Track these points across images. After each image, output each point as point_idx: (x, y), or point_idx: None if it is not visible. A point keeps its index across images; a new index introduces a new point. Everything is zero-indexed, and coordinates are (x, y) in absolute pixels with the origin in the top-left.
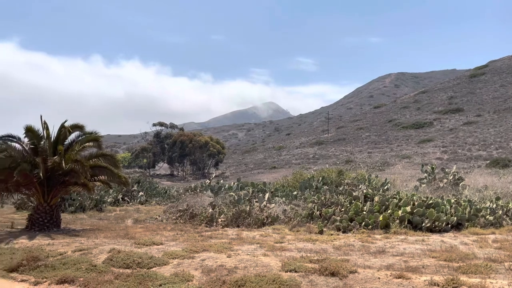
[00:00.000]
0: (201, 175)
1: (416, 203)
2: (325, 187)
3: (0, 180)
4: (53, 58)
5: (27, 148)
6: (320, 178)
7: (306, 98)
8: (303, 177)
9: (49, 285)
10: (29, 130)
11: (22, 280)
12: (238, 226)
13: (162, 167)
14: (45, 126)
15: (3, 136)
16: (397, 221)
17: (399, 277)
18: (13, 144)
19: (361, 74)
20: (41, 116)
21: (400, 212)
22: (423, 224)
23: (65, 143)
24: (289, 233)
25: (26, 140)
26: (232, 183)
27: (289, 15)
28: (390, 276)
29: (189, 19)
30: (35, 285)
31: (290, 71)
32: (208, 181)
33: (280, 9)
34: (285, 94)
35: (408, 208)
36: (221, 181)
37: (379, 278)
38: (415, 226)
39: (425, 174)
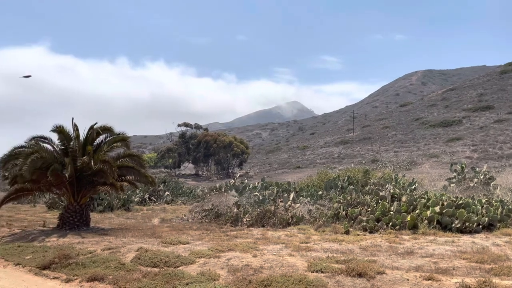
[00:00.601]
0: (226, 175)
1: (445, 203)
2: (351, 187)
3: (33, 180)
4: (81, 61)
5: (57, 149)
6: (346, 177)
7: (330, 97)
8: (328, 176)
9: (80, 282)
10: (60, 132)
11: (54, 277)
12: (263, 226)
13: (187, 167)
14: (75, 127)
15: (35, 137)
16: (426, 221)
17: (429, 279)
18: (45, 145)
19: (387, 72)
20: (72, 119)
21: (428, 212)
22: (453, 225)
23: (94, 144)
24: (315, 233)
25: (57, 141)
26: (257, 182)
27: (313, 14)
28: (420, 277)
29: (213, 20)
30: (66, 282)
31: (314, 69)
32: (232, 180)
33: (303, 7)
34: (309, 93)
35: (437, 208)
36: (246, 181)
37: (407, 279)
38: (444, 227)
39: (454, 174)
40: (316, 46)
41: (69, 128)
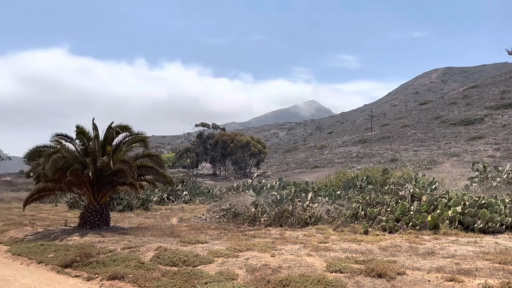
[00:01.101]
0: (243, 174)
1: (467, 203)
2: (370, 186)
3: (55, 180)
4: (100, 63)
5: (78, 149)
6: (364, 177)
7: (348, 95)
8: (346, 176)
9: (100, 280)
10: (80, 132)
11: (76, 276)
12: (281, 226)
13: (205, 167)
14: (95, 127)
15: (58, 134)
16: (447, 221)
17: (451, 280)
18: (67, 144)
19: (406, 70)
20: (93, 119)
21: (450, 212)
22: (475, 225)
23: (113, 144)
24: (333, 233)
25: (77, 141)
26: (274, 182)
27: (330, 12)
28: (441, 278)
29: (229, 20)
30: (87, 280)
31: (332, 68)
32: (250, 180)
33: (320, 6)
34: (327, 92)
35: (459, 208)
36: (263, 180)
37: (429, 280)
38: (466, 227)
39: (476, 173)
40: (334, 44)
41: (89, 128)
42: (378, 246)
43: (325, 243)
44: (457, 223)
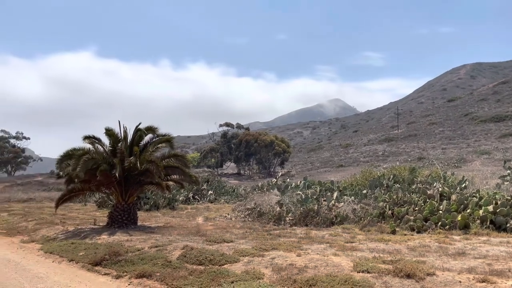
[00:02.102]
0: (267, 174)
1: (499, 202)
2: (397, 185)
3: (84, 180)
4: (125, 64)
5: (107, 150)
6: (391, 176)
7: (373, 93)
8: (372, 175)
9: (129, 279)
10: (109, 133)
11: (105, 274)
12: (306, 225)
13: (229, 167)
14: (124, 128)
15: (88, 136)
16: (478, 221)
17: (483, 281)
18: (96, 145)
19: (432, 67)
20: (119, 122)
21: (481, 211)
22: (508, 225)
23: (140, 144)
24: (360, 233)
25: (106, 142)
26: (299, 181)
27: (354, 10)
28: (473, 280)
29: (252, 20)
30: (116, 278)
31: (357, 66)
32: (274, 180)
33: (344, 3)
34: (352, 90)
35: (490, 208)
36: (287, 180)
37: (460, 281)
38: (498, 227)
39: (508, 171)
40: (358, 42)
41: (117, 130)
42: (406, 246)
43: (352, 242)
44: (488, 222)
